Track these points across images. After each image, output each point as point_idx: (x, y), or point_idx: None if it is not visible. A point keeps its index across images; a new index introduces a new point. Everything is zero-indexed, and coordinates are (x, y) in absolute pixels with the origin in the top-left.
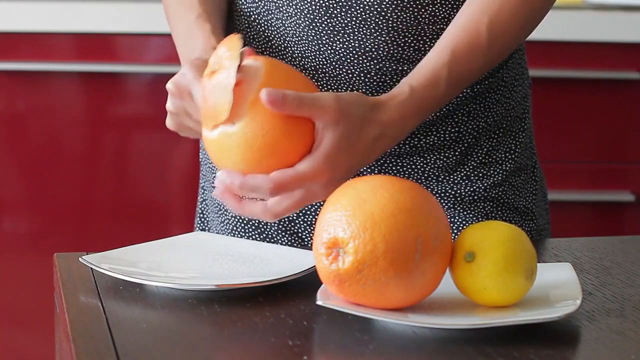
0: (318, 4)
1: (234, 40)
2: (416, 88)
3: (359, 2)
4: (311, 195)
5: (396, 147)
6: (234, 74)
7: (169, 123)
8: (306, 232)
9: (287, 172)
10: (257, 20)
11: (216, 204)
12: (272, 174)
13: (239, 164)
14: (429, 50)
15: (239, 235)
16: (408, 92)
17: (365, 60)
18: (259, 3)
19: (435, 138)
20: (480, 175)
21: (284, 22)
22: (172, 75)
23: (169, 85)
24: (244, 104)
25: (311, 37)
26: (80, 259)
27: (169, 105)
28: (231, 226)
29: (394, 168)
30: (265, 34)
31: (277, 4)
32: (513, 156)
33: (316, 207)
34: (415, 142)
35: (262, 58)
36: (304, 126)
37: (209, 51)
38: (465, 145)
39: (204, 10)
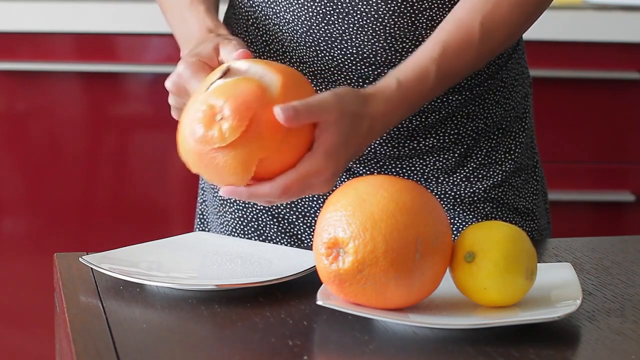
0: (315, 10)
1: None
2: (403, 82)
3: (356, 8)
4: (313, 188)
5: (395, 150)
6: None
7: (175, 115)
8: (305, 233)
9: (291, 175)
10: (255, 25)
11: (215, 206)
12: (277, 180)
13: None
14: None
15: (238, 237)
16: (395, 86)
17: (363, 66)
18: (256, 8)
19: (435, 140)
20: (480, 176)
21: (281, 27)
22: None
23: (168, 85)
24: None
25: (309, 44)
26: (80, 259)
27: (171, 101)
28: (230, 228)
29: (393, 170)
30: (264, 39)
31: (274, 10)
32: (513, 156)
33: (315, 208)
34: (415, 145)
35: (276, 69)
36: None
37: (204, 33)
38: (465, 147)
39: None
